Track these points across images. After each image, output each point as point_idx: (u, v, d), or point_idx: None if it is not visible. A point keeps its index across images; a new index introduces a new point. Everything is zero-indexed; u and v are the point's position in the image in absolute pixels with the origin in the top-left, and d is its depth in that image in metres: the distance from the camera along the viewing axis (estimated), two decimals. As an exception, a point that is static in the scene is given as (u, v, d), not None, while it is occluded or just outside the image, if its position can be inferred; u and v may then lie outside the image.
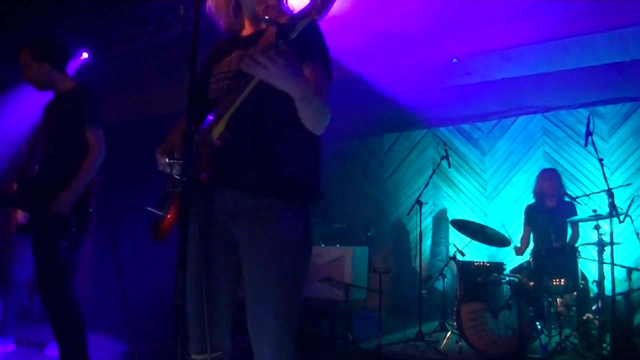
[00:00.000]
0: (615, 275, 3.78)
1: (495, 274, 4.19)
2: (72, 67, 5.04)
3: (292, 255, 1.62)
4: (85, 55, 5.05)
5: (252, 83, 1.46)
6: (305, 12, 1.32)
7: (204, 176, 1.57)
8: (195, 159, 1.53)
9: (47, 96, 3.13)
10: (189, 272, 1.63)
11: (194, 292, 1.63)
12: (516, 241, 5.09)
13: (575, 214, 4.63)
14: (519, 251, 4.94)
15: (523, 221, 5.02)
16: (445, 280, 5.16)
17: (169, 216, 1.65)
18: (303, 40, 1.51)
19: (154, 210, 1.72)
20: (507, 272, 4.37)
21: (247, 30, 1.82)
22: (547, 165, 5.90)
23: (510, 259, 5.93)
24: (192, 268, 1.63)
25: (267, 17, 1.43)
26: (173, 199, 1.64)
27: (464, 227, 4.82)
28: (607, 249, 3.77)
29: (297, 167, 1.64)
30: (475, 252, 6.22)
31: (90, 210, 2.85)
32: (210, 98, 1.73)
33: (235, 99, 1.51)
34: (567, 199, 4.79)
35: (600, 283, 3.74)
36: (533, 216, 4.90)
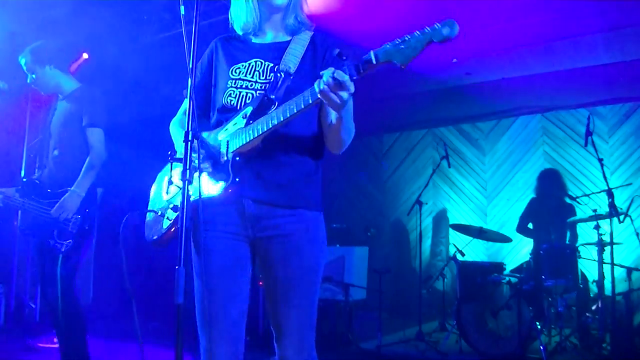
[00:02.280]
0: (615, 275, 3.78)
1: (495, 274, 4.19)
2: (73, 68, 5.03)
3: (313, 260, 1.67)
4: (85, 55, 5.05)
5: (308, 106, 1.50)
6: (388, 56, 1.39)
7: (230, 185, 1.58)
8: (222, 167, 1.59)
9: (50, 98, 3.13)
10: (201, 283, 1.65)
11: (204, 307, 1.64)
12: (516, 240, 5.08)
13: (574, 214, 4.62)
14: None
15: (524, 211, 5.02)
16: (445, 280, 5.16)
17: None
18: (326, 54, 1.70)
19: (158, 214, 1.72)
20: (507, 272, 4.37)
21: (266, 36, 1.78)
22: (547, 165, 5.91)
23: (510, 259, 5.93)
24: (208, 278, 1.65)
25: (338, 50, 1.51)
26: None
27: (464, 229, 4.82)
28: (607, 249, 3.77)
29: (313, 177, 1.71)
30: (475, 252, 6.22)
31: (89, 212, 2.85)
32: (228, 104, 1.70)
33: (278, 121, 1.54)
34: (567, 199, 4.78)
35: (600, 283, 3.74)
36: (535, 212, 4.89)
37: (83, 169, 2.84)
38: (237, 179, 1.59)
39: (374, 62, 1.41)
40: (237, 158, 1.60)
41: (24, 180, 2.93)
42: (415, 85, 5.41)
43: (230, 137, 1.62)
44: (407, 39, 1.38)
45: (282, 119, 1.52)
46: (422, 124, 6.97)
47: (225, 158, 1.61)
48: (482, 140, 6.66)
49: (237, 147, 1.59)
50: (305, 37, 1.73)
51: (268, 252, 1.67)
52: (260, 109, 1.59)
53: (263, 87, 1.67)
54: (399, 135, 7.27)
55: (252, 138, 1.57)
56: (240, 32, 1.79)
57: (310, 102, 1.48)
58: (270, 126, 1.54)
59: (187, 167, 1.45)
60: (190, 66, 1.51)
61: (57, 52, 3.03)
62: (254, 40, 1.79)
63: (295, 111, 1.50)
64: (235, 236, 1.68)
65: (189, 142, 1.47)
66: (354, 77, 1.43)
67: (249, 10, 1.74)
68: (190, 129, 1.48)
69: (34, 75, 2.98)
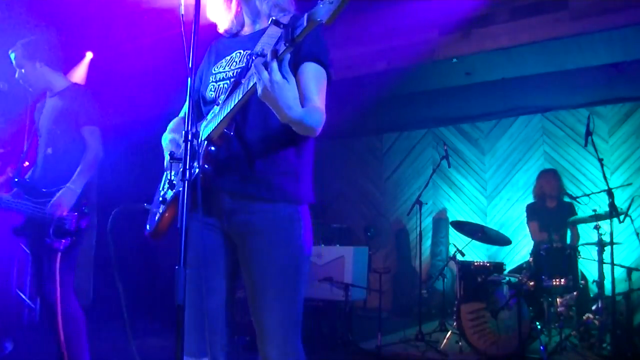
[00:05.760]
0: (615, 275, 3.78)
1: (495, 274, 4.19)
2: (79, 67, 5.03)
3: (290, 257, 1.62)
4: (90, 54, 5.05)
5: (250, 91, 1.45)
6: (312, 15, 1.25)
7: (203, 176, 1.56)
8: (195, 159, 1.53)
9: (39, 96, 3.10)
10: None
11: (188, 295, 1.63)
12: (516, 241, 5.07)
13: (574, 214, 4.62)
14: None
15: (526, 219, 5.00)
16: (445, 280, 5.16)
17: (167, 215, 1.66)
18: (303, 41, 1.53)
19: (152, 208, 1.73)
20: (507, 272, 4.36)
21: (247, 29, 1.81)
22: (547, 165, 5.91)
23: (510, 259, 5.93)
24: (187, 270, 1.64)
25: (273, 18, 1.40)
26: (172, 198, 1.64)
27: (464, 228, 4.81)
28: (607, 249, 3.77)
29: (293, 170, 1.64)
30: (475, 252, 6.22)
31: (86, 210, 2.83)
32: (209, 97, 1.73)
33: (234, 103, 1.50)
34: (567, 199, 4.78)
35: (600, 283, 3.74)
36: (535, 214, 4.88)
37: (80, 166, 2.79)
38: (207, 166, 1.56)
39: (305, 24, 1.27)
40: (212, 148, 1.57)
41: (16, 180, 2.87)
42: (415, 85, 5.40)
43: (205, 125, 1.62)
44: None
45: (240, 98, 1.48)
46: (422, 124, 6.98)
47: (197, 146, 1.58)
48: (482, 140, 6.66)
49: (207, 133, 1.58)
50: (284, 20, 1.66)
51: (243, 248, 1.65)
52: (232, 94, 1.57)
53: (235, 74, 1.66)
54: (399, 135, 7.27)
55: (217, 123, 1.55)
56: (226, 35, 1.83)
57: (250, 84, 1.43)
58: (232, 107, 1.50)
59: (187, 167, 1.45)
60: (190, 66, 1.51)
61: (49, 49, 2.96)
62: (242, 34, 1.82)
63: (248, 88, 1.45)
64: (212, 227, 1.67)
65: (189, 142, 1.47)
66: (283, 48, 1.33)
67: (227, 19, 1.79)
68: (189, 128, 1.48)
69: (22, 70, 2.93)
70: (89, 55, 5.05)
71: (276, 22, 1.37)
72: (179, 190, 1.47)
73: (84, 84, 3.17)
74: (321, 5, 1.23)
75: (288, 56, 1.38)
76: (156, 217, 1.72)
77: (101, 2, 4.27)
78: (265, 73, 1.36)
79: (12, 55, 2.94)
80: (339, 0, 1.20)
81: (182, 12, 1.53)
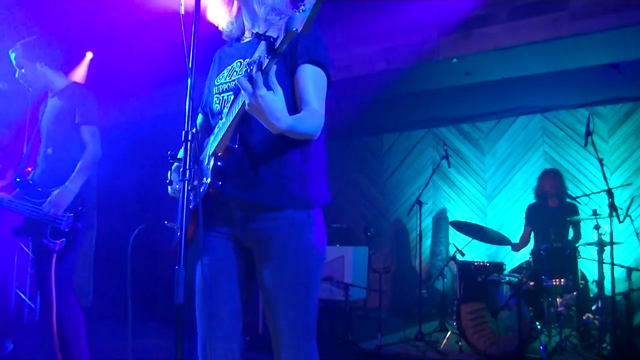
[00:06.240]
0: (615, 275, 3.78)
1: (495, 274, 4.19)
2: (79, 67, 5.03)
3: (300, 264, 1.62)
4: (90, 54, 5.05)
5: (244, 106, 1.44)
6: (288, 25, 1.25)
7: (212, 188, 1.58)
8: (204, 175, 1.57)
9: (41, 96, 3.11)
10: (197, 283, 1.66)
11: (201, 304, 1.65)
12: (516, 240, 5.08)
13: (577, 214, 4.62)
14: (516, 248, 4.91)
15: (524, 220, 5.01)
16: (445, 280, 5.16)
17: (188, 230, 1.66)
18: (300, 43, 1.54)
19: (174, 225, 1.73)
20: (507, 272, 4.36)
21: (248, 34, 1.79)
22: (547, 165, 5.91)
23: (511, 259, 5.93)
24: (200, 279, 1.66)
25: (254, 31, 1.39)
26: (192, 213, 1.64)
27: (464, 228, 4.82)
28: (607, 249, 3.77)
29: (300, 174, 1.63)
30: (475, 252, 6.22)
31: (82, 210, 2.82)
32: (215, 110, 1.72)
33: (232, 117, 1.50)
34: (568, 199, 4.78)
35: (600, 283, 3.74)
36: (534, 216, 4.88)
37: (78, 166, 2.79)
38: (220, 183, 1.57)
39: (283, 35, 1.29)
40: (219, 162, 1.58)
41: (18, 180, 2.87)
42: (415, 85, 5.40)
43: (212, 140, 1.63)
44: (304, 3, 1.26)
45: (235, 112, 1.49)
46: (422, 124, 6.98)
47: (207, 161, 1.61)
48: (482, 140, 6.66)
49: (213, 148, 1.59)
50: (280, 23, 1.65)
51: (256, 255, 1.66)
52: (232, 108, 1.56)
53: (236, 85, 1.64)
54: (399, 135, 7.27)
55: (220, 138, 1.55)
56: (227, 39, 1.83)
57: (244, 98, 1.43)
58: (230, 121, 1.51)
59: (187, 167, 1.45)
60: (190, 66, 1.51)
61: (49, 49, 2.97)
62: (242, 42, 1.80)
63: (242, 102, 1.44)
64: (226, 236, 1.68)
65: (188, 142, 1.47)
66: (267, 61, 1.34)
67: (227, 22, 1.78)
68: (189, 129, 1.48)
69: (23, 70, 2.93)
70: (89, 55, 5.06)
71: (257, 35, 1.37)
72: (196, 206, 1.53)
73: (84, 84, 3.16)
74: (297, 13, 1.24)
75: (274, 67, 1.37)
76: (179, 233, 1.73)
77: (101, 2, 4.26)
78: (250, 87, 1.35)
79: (12, 56, 2.94)
80: (310, 7, 1.21)
81: (182, 12, 1.53)
